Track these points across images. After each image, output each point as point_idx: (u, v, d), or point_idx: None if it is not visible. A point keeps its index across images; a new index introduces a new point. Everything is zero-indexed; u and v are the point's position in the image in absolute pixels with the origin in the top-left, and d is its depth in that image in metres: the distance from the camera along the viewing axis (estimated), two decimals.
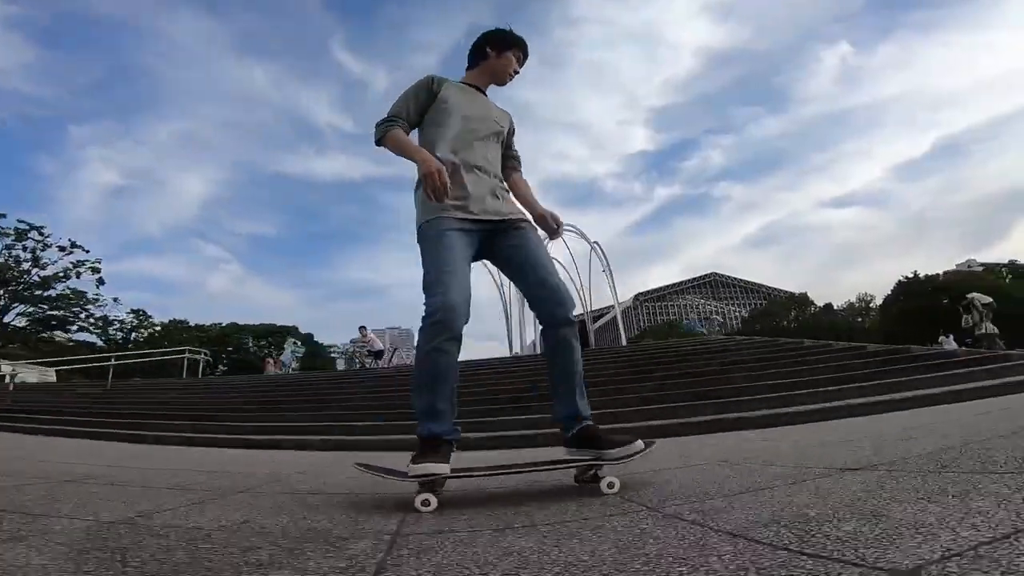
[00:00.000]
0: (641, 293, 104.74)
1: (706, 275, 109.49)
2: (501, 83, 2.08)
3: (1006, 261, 59.34)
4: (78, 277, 29.64)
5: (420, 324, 1.66)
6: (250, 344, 54.19)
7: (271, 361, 19.83)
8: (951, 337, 23.26)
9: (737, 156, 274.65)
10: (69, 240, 29.72)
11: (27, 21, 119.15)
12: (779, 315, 58.13)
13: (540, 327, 1.83)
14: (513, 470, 1.78)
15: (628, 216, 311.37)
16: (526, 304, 1.98)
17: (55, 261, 29.30)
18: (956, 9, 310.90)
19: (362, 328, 13.44)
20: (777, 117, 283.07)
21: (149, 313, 37.84)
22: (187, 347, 16.71)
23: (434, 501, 1.47)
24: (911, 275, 48.28)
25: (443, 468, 1.55)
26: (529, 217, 1.98)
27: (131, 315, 35.40)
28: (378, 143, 1.87)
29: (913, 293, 46.15)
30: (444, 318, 1.61)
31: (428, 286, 1.68)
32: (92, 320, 31.66)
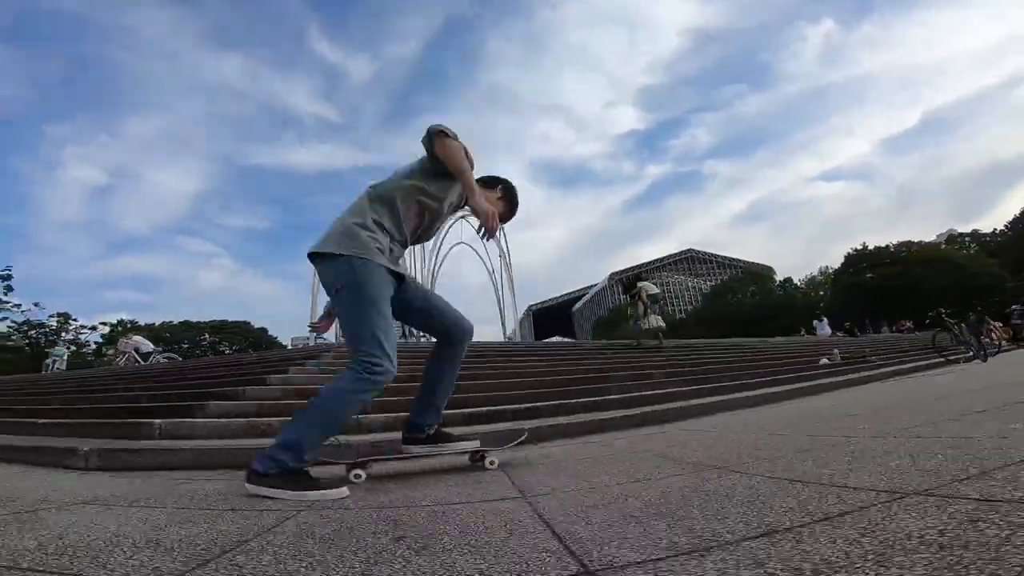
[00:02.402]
0: (616, 272, 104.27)
1: (683, 251, 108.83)
2: (472, 207, 2.20)
3: (990, 231, 58.19)
4: None
5: (362, 371, 1.88)
6: (206, 339, 54.29)
7: None
8: (825, 321, 23.03)
9: (724, 134, 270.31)
10: None
11: None
12: (737, 291, 57.85)
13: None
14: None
15: (620, 195, 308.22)
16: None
17: None
18: None
19: (130, 334, 13.41)
20: (762, 94, 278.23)
21: (74, 316, 37.50)
22: None
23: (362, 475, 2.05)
24: (860, 247, 47.86)
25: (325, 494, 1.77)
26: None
27: (53, 318, 35.18)
28: (436, 135, 2.03)
29: (861, 266, 45.77)
30: (391, 373, 1.93)
31: (378, 335, 1.93)
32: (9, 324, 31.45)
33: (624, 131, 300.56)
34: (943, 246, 52.20)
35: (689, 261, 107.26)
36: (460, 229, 28.12)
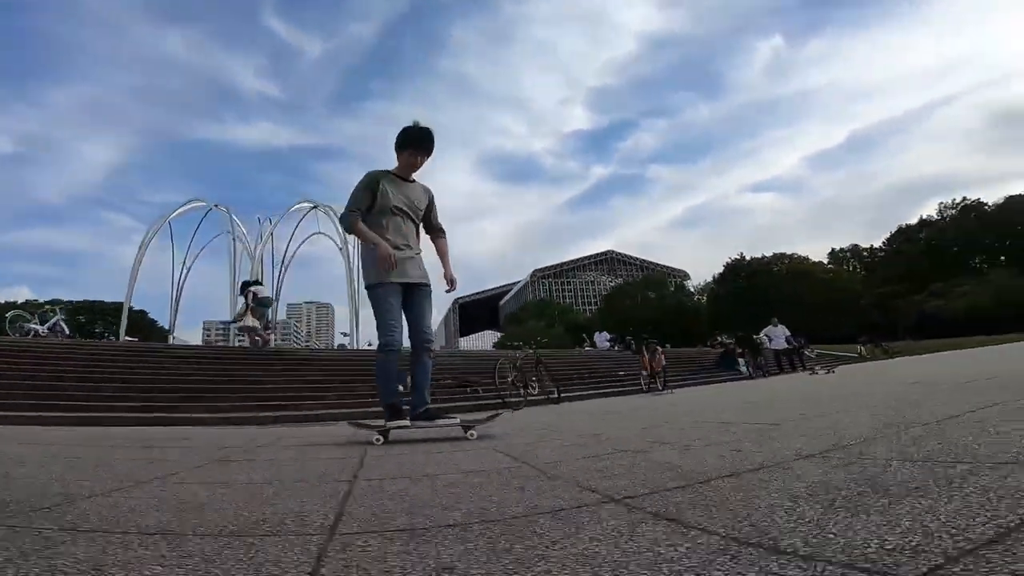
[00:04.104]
0: (538, 269, 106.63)
1: (604, 252, 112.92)
2: (409, 175, 3.14)
3: (867, 247, 64.10)
4: None
5: (379, 349, 3.02)
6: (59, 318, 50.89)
7: None
8: (604, 334, 25.04)
9: (669, 140, 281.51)
10: None
11: None
12: (634, 294, 60.74)
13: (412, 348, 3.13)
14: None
15: (565, 193, 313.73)
16: None
17: None
18: (884, 8, 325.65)
19: None
20: (709, 104, 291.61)
21: None
22: None
23: (383, 439, 2.89)
24: (738, 256, 51.57)
25: (405, 422, 2.99)
26: (429, 281, 3.18)
27: None
28: (348, 231, 3.18)
29: (739, 275, 49.33)
30: (393, 346, 2.97)
31: (383, 327, 2.97)
32: None
33: (573, 129, 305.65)
34: (825, 261, 57.16)
35: (609, 262, 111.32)
36: (315, 217, 27.98)
